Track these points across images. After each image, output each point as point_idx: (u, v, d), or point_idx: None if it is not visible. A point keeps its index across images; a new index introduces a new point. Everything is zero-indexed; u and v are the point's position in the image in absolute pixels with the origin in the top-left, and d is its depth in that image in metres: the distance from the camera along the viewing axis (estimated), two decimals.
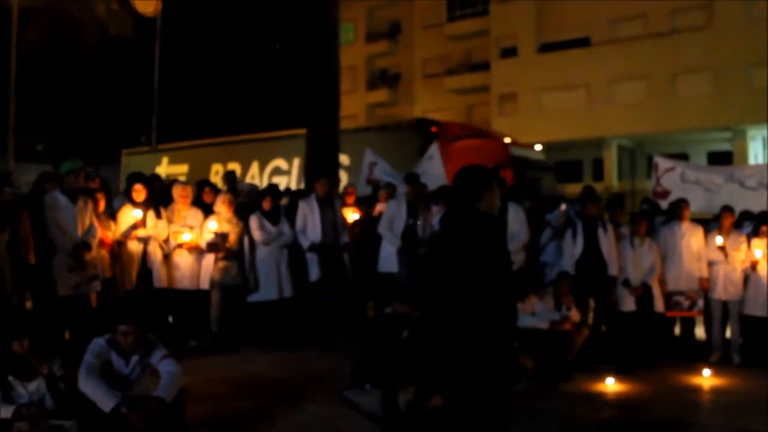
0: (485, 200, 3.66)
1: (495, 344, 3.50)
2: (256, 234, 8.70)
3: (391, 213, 9.01)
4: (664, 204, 9.80)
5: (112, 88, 28.96)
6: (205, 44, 31.06)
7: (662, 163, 10.68)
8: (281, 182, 14.87)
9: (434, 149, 11.95)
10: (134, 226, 8.07)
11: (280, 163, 16.23)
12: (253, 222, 8.74)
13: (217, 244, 8.43)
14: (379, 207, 9.93)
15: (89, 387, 4.53)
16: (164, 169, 18.44)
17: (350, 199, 10.25)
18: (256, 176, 16.55)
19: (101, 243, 7.65)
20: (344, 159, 13.61)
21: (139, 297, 8.01)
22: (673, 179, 10.35)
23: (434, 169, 11.60)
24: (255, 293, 8.71)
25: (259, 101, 35.72)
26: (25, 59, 20.40)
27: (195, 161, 18.06)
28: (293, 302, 9.06)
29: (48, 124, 29.02)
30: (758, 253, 8.26)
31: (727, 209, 8.68)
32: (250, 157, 16.98)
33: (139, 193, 8.22)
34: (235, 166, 16.03)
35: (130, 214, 8.12)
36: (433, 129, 13.96)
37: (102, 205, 7.98)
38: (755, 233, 8.52)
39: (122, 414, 4.41)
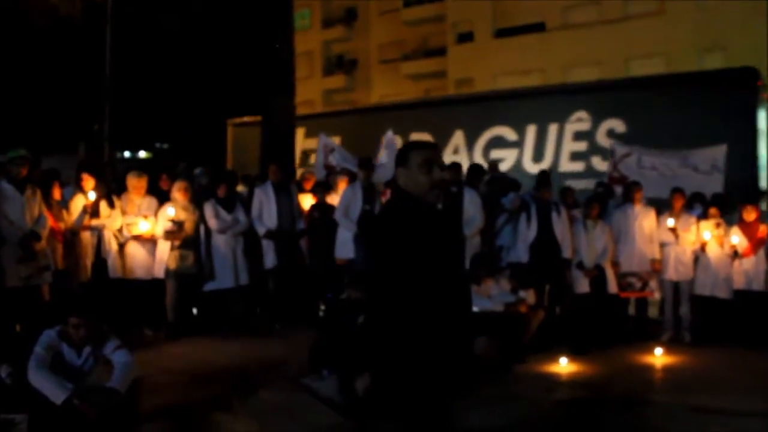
0: (400, 177, 3.34)
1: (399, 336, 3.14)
2: (211, 222, 8.62)
3: (347, 199, 8.99)
4: (620, 189, 9.91)
5: (63, 75, 28.31)
6: (158, 29, 30.52)
7: (619, 149, 10.77)
8: (508, 156, 12.00)
9: (390, 137, 11.80)
10: (85, 212, 7.93)
11: (505, 131, 12.60)
12: (208, 210, 8.65)
13: (175, 232, 8.32)
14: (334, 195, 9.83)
15: (39, 380, 4.45)
16: (299, 143, 14.62)
17: (308, 185, 10.19)
18: (461, 149, 12.78)
19: (54, 233, 7.51)
20: (619, 125, 11.61)
21: (93, 289, 7.89)
22: (630, 165, 10.45)
23: (393, 160, 11.47)
24: (211, 282, 8.63)
25: (215, 87, 35.29)
26: None
27: (352, 132, 14.20)
28: (249, 290, 9.01)
29: None
30: (707, 234, 8.46)
31: (677, 191, 8.84)
32: (451, 124, 12.90)
33: (87, 181, 8.09)
34: (423, 138, 12.14)
35: (82, 203, 7.98)
36: (760, 83, 10.86)
37: (57, 193, 7.83)
38: (705, 215, 8.71)
39: (74, 406, 4.35)
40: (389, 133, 11.81)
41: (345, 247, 8.94)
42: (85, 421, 4.35)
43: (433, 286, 3.16)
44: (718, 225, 8.48)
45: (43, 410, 4.42)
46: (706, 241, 8.46)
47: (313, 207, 9.53)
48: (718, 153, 10.23)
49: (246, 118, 17.61)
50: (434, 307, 3.14)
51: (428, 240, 3.19)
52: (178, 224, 8.32)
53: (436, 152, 3.32)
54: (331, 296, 9.01)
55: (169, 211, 8.34)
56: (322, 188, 9.78)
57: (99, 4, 19.49)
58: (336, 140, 13.87)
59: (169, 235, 8.32)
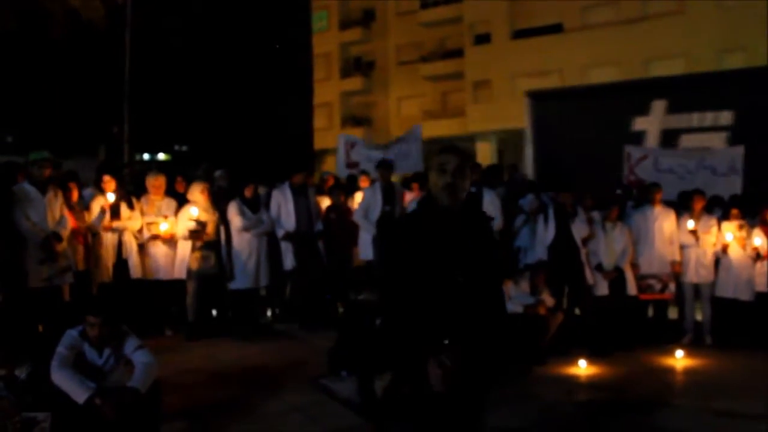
0: (429, 180, 3.41)
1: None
2: (236, 220, 8.61)
3: (367, 200, 9.00)
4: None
5: (83, 78, 28.58)
6: (176, 33, 30.72)
7: (634, 152, 10.58)
8: None
9: (415, 130, 11.63)
10: (103, 213, 7.99)
11: None
12: (233, 208, 8.67)
13: (199, 232, 8.35)
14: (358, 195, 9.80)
15: (62, 379, 4.49)
16: (658, 120, 11.24)
17: (327, 186, 10.20)
18: None
19: (75, 234, 7.58)
20: None
21: (113, 289, 7.95)
22: (648, 168, 10.28)
23: (411, 153, 11.35)
24: (233, 281, 8.66)
25: (234, 89, 35.45)
26: None
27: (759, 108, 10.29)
28: (268, 291, 9.04)
29: (18, 115, 28.59)
30: (729, 236, 8.39)
31: (698, 193, 8.77)
32: None
33: (108, 183, 8.15)
34: None
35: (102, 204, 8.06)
36: None
37: (75, 195, 7.89)
38: (725, 217, 8.64)
39: (96, 405, 4.38)
40: (415, 128, 11.67)
41: (365, 248, 8.95)
42: (106, 421, 4.38)
43: (439, 286, 3.17)
44: (741, 227, 8.41)
45: (66, 409, 4.45)
46: (728, 243, 8.39)
47: (329, 208, 9.53)
48: (736, 154, 10.05)
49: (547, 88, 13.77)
50: (442, 308, 3.14)
51: (438, 240, 3.21)
52: (201, 224, 8.36)
53: (451, 156, 3.31)
54: (330, 297, 9.06)
55: (193, 211, 8.36)
56: (339, 190, 9.78)
57: (119, 9, 19.68)
58: (694, 118, 10.94)
59: (192, 234, 8.34)
